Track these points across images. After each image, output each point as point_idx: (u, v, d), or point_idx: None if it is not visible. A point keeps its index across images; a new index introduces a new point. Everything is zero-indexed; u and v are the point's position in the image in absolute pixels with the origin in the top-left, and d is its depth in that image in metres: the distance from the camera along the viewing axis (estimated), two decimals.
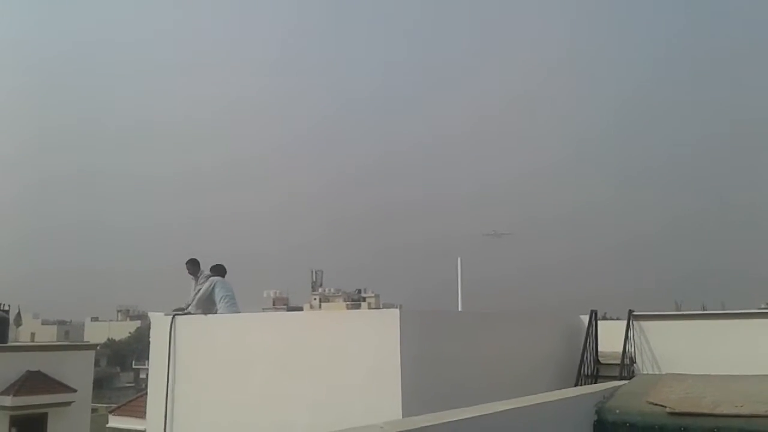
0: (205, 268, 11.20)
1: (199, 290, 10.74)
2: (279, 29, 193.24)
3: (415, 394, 7.12)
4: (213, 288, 10.70)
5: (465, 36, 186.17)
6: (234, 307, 10.73)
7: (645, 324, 11.83)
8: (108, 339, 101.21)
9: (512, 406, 4.76)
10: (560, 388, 7.46)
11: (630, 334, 11.46)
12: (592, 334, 11.30)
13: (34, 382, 14.69)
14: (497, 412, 4.49)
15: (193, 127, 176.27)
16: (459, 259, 13.22)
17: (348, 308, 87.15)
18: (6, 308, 18.62)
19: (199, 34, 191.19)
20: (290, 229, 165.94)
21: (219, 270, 11.12)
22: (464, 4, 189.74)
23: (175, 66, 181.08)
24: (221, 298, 10.62)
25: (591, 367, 11.10)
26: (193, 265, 11.01)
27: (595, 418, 6.35)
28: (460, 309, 12.17)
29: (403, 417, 6.56)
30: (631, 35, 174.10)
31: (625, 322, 11.63)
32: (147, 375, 10.83)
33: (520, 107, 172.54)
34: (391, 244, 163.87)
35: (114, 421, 24.34)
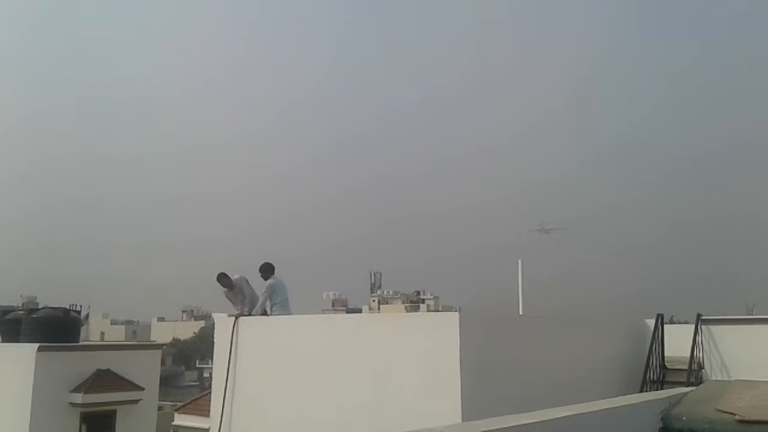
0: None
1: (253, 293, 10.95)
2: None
3: (475, 399, 7.07)
4: (272, 292, 10.90)
5: (507, 37, 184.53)
6: (287, 311, 10.89)
7: (714, 328, 11.44)
8: (173, 339, 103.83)
9: (574, 412, 4.68)
10: (625, 394, 7.29)
11: (698, 338, 11.11)
12: (658, 338, 11.00)
13: (103, 380, 15.14)
14: (559, 418, 4.41)
15: (250, 137, 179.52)
16: (520, 262, 13.06)
17: (407, 310, 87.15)
18: (78, 309, 19.26)
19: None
20: (345, 229, 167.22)
21: (269, 269, 11.24)
22: None
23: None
24: (276, 303, 10.82)
25: (657, 373, 10.80)
26: (224, 278, 11.09)
27: (661, 425, 6.18)
28: (521, 312, 12.03)
29: (462, 421, 6.53)
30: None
31: (693, 326, 11.28)
32: (210, 374, 11.07)
33: (566, 105, 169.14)
34: (449, 245, 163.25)
35: (179, 419, 24.92)
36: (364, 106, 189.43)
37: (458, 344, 7.25)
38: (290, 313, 10.88)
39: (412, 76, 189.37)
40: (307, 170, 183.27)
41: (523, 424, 4.02)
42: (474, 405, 6.96)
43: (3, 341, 16.98)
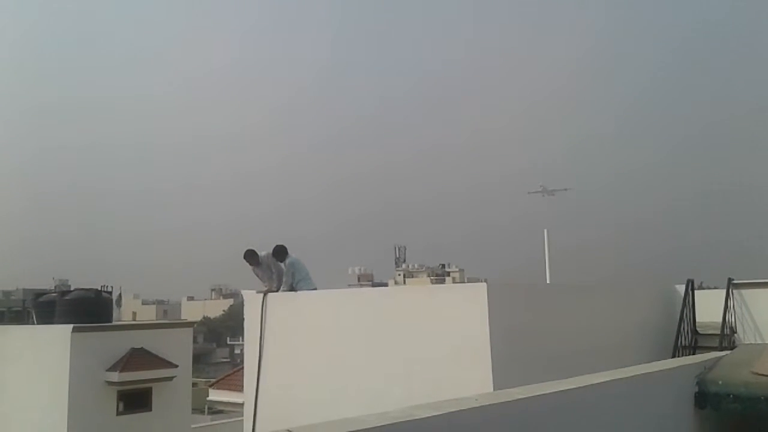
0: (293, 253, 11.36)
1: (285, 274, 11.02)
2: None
3: (506, 368, 7.07)
4: (294, 269, 10.97)
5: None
6: (312, 285, 10.96)
7: (746, 292, 11.30)
8: (203, 317, 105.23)
9: (609, 378, 4.64)
10: (657, 360, 7.23)
11: (730, 302, 10.98)
12: (689, 303, 10.90)
13: (138, 358, 15.37)
14: (594, 384, 4.39)
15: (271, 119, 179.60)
16: (545, 231, 12.99)
17: (432, 283, 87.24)
18: (109, 290, 19.55)
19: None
20: (368, 205, 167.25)
21: (282, 251, 11.30)
22: None
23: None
24: (299, 280, 10.88)
25: (689, 338, 10.72)
26: (252, 257, 11.18)
27: (696, 389, 6.12)
28: (548, 281, 11.96)
29: (494, 389, 6.53)
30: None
31: (724, 290, 11.15)
32: (241, 350, 11.19)
33: (579, 75, 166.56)
34: (472, 218, 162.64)
35: (214, 395, 25.28)
36: (379, 88, 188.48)
37: (487, 314, 7.24)
38: (315, 287, 10.94)
39: (427, 47, 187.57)
40: (328, 149, 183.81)
41: (558, 392, 4.00)
42: (505, 374, 6.97)
43: (38, 323, 17.31)
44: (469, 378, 7.20)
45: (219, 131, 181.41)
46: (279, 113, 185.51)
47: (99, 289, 18.74)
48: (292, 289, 10.81)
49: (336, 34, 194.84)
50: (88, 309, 16.29)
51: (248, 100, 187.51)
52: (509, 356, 7.25)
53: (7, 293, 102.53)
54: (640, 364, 5.84)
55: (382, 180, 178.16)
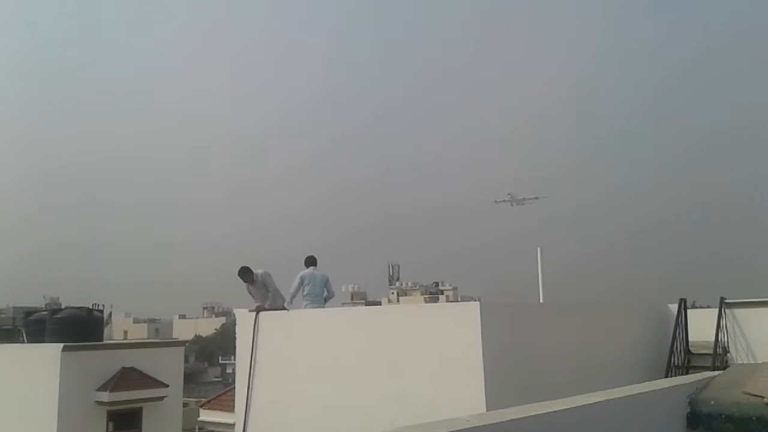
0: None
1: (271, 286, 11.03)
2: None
3: (498, 388, 7.05)
4: (300, 282, 10.99)
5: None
6: (315, 304, 10.93)
7: (738, 311, 11.34)
8: (195, 335, 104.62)
9: (602, 399, 4.64)
10: (650, 380, 7.23)
11: (722, 322, 11.01)
12: (681, 323, 10.92)
13: (128, 378, 15.28)
14: (587, 404, 4.38)
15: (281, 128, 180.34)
16: (539, 250, 12.98)
17: (426, 301, 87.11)
18: (100, 308, 19.47)
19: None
20: (361, 222, 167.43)
21: (307, 261, 11.40)
22: None
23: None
24: (305, 294, 10.90)
25: (681, 358, 10.73)
26: (246, 273, 11.12)
27: (688, 410, 6.11)
28: (541, 300, 11.97)
29: (487, 410, 6.51)
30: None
31: (716, 310, 11.18)
32: (233, 370, 11.16)
33: (572, 89, 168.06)
34: (465, 236, 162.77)
35: (204, 415, 25.10)
36: (374, 100, 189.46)
37: (480, 333, 7.23)
38: (321, 306, 10.96)
39: (429, 61, 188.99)
40: (317, 166, 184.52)
41: (551, 412, 4.00)
42: (497, 394, 6.95)
43: (28, 342, 17.20)
44: (461, 398, 7.18)
45: (214, 147, 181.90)
46: (273, 129, 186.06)
47: (90, 307, 18.67)
48: (284, 306, 10.83)
49: (336, 46, 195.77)
50: (79, 328, 16.23)
51: (244, 114, 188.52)
52: (502, 376, 7.24)
53: None
54: (632, 384, 5.84)
55: (376, 196, 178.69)
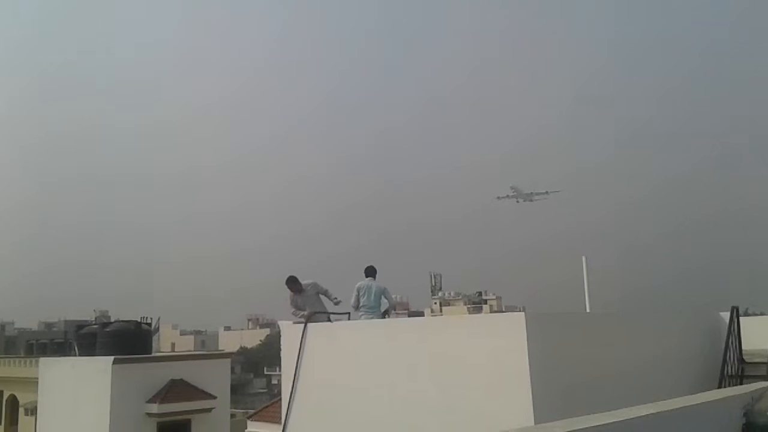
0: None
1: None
2: None
3: (546, 399, 6.95)
4: (357, 293, 11.00)
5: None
6: (372, 315, 10.89)
7: None
8: (240, 347, 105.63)
9: (653, 411, 4.54)
10: (702, 391, 7.06)
11: None
12: (734, 331, 10.61)
13: (177, 389, 15.52)
14: (637, 417, 4.29)
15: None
16: (584, 258, 12.77)
17: (469, 312, 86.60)
18: (149, 321, 19.84)
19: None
20: (402, 230, 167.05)
21: (366, 271, 11.42)
22: None
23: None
24: (362, 306, 10.92)
25: (735, 367, 10.42)
26: (294, 283, 11.18)
27: (744, 421, 5.95)
28: (587, 309, 11.78)
29: (535, 423, 6.43)
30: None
31: None
32: (279, 381, 11.24)
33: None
34: (507, 243, 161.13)
35: (252, 426, 25.27)
36: (415, 97, 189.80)
37: (526, 344, 7.14)
38: (376, 317, 10.96)
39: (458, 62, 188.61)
40: (355, 169, 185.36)
41: (601, 425, 3.93)
42: (545, 406, 6.85)
43: (79, 354, 17.61)
44: (508, 410, 7.10)
45: (254, 153, 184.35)
46: (312, 129, 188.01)
47: (139, 320, 19.02)
48: (329, 317, 10.87)
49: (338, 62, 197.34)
50: (128, 341, 16.56)
51: (282, 117, 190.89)
52: (549, 388, 7.13)
53: (49, 325, 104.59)
54: (685, 395, 5.71)
55: (416, 201, 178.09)
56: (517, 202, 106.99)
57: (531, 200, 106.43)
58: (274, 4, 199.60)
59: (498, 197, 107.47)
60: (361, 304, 11.03)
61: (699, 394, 6.12)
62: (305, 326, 10.22)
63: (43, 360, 20.07)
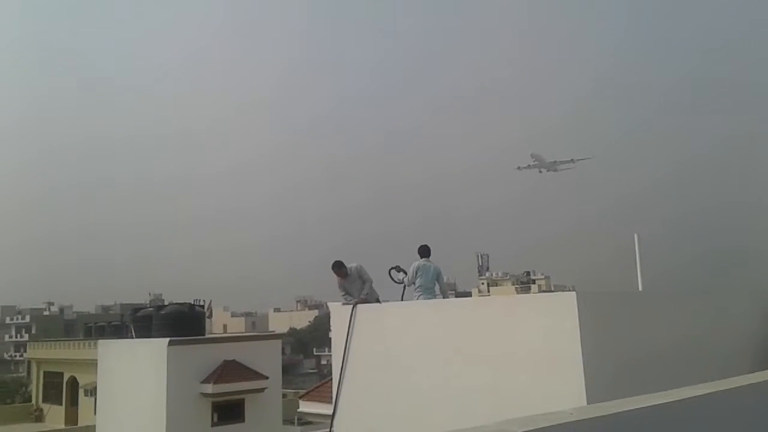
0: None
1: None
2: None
3: (598, 380, 6.89)
4: (414, 273, 10.99)
5: None
6: (427, 296, 10.88)
7: None
8: (290, 328, 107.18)
9: (711, 390, 4.45)
10: (761, 370, 6.89)
11: None
12: None
13: (230, 370, 15.84)
14: (694, 396, 4.21)
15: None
16: (636, 236, 12.50)
17: (517, 292, 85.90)
18: (201, 303, 20.27)
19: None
20: (447, 211, 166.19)
21: (420, 251, 11.34)
22: None
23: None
24: (418, 286, 10.91)
25: None
26: (340, 267, 11.11)
27: None
28: (640, 288, 11.57)
29: (588, 403, 6.38)
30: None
31: None
32: (328, 361, 11.38)
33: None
34: (554, 222, 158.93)
35: (304, 406, 25.64)
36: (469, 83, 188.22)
37: (578, 324, 7.08)
38: (434, 297, 10.95)
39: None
40: (407, 149, 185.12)
41: (655, 405, 3.87)
42: (598, 386, 6.79)
43: (136, 337, 18.11)
44: (560, 391, 7.06)
45: (294, 138, 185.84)
46: (364, 106, 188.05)
47: (192, 303, 19.46)
48: (378, 298, 10.91)
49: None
50: (182, 323, 16.95)
51: (323, 98, 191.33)
52: (602, 368, 7.06)
53: (106, 308, 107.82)
54: (742, 374, 5.58)
55: (464, 184, 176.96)
56: (540, 171, 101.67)
57: (555, 170, 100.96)
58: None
59: (519, 167, 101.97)
60: (418, 285, 10.96)
61: (757, 373, 5.97)
62: (354, 307, 10.30)
63: (101, 342, 20.71)
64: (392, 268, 11.40)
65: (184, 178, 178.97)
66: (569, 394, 6.87)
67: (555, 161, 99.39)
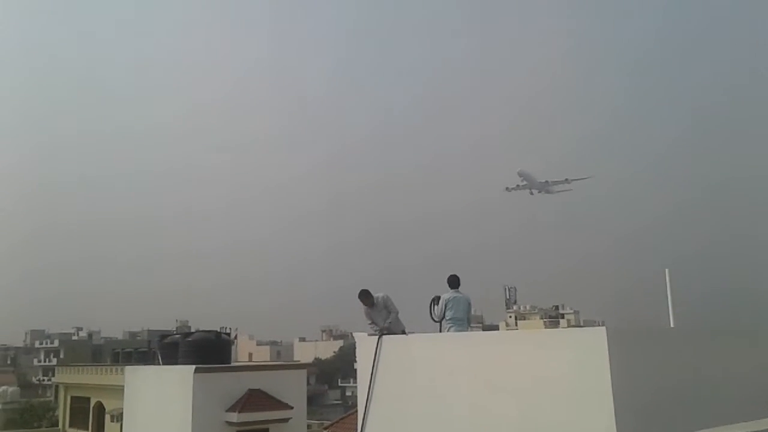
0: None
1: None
2: None
3: (629, 417, 6.75)
4: (444, 306, 10.87)
5: None
6: (460, 329, 10.75)
7: None
8: (315, 358, 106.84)
9: (749, 430, 4.34)
10: None
11: None
12: None
13: (255, 399, 15.80)
14: None
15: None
16: (667, 271, 12.31)
17: (546, 326, 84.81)
18: (227, 331, 20.36)
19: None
20: (476, 241, 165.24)
21: (449, 281, 11.21)
22: None
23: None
24: (449, 318, 10.79)
25: None
26: (367, 297, 11.07)
27: None
28: (672, 324, 11.36)
29: None
30: None
31: None
32: (353, 392, 11.30)
33: None
34: (583, 253, 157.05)
35: None
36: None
37: (608, 360, 6.96)
38: (465, 330, 10.83)
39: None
40: (447, 175, 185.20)
41: None
42: (629, 423, 6.66)
43: (162, 363, 18.19)
44: (589, 427, 6.93)
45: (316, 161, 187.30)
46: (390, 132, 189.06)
47: (218, 330, 19.53)
48: (403, 330, 10.83)
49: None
50: (208, 350, 16.99)
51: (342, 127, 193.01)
52: (633, 404, 6.92)
53: (133, 334, 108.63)
54: None
55: (493, 214, 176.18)
56: (531, 193, 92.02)
57: (548, 191, 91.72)
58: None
59: (507, 188, 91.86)
60: (449, 317, 10.82)
61: None
62: (380, 338, 10.25)
63: (128, 368, 20.85)
64: (433, 300, 11.20)
65: (213, 208, 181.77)
66: (599, 431, 6.74)
67: (546, 181, 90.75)
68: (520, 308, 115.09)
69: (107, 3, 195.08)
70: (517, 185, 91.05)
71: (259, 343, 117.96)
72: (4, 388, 56.14)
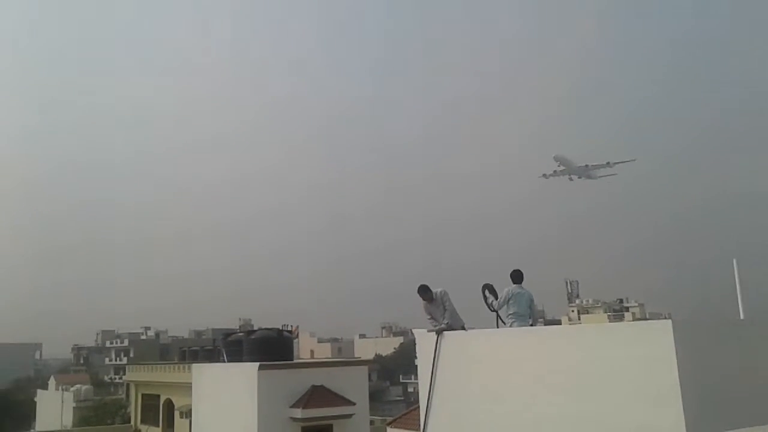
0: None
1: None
2: None
3: (698, 412, 6.59)
4: (506, 300, 10.79)
5: None
6: (522, 324, 10.64)
7: None
8: (375, 354, 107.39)
9: None
10: None
11: None
12: None
13: (318, 395, 15.98)
14: None
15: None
16: (735, 261, 11.93)
17: (610, 320, 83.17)
18: (289, 328, 20.66)
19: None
20: (537, 234, 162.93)
21: (512, 276, 11.09)
22: None
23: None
24: (511, 313, 10.69)
25: None
26: (426, 292, 11.04)
27: None
28: (741, 317, 11.01)
29: None
30: None
31: None
32: (415, 388, 11.32)
33: None
34: (648, 245, 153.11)
35: None
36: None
37: (675, 354, 6.80)
38: (526, 325, 10.70)
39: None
40: (492, 174, 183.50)
41: None
42: (697, 418, 6.50)
43: (228, 361, 18.59)
44: (657, 424, 6.79)
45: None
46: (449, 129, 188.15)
47: (280, 328, 19.84)
48: (463, 326, 10.78)
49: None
50: (271, 347, 17.27)
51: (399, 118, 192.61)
52: (702, 399, 6.75)
53: (198, 333, 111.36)
54: None
55: (548, 207, 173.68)
56: (570, 179, 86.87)
57: (590, 176, 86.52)
58: None
59: (544, 175, 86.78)
60: (511, 312, 10.69)
61: None
62: (440, 334, 10.24)
63: (195, 366, 21.38)
64: (485, 287, 11.15)
65: (270, 211, 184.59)
66: (668, 429, 6.60)
67: (586, 165, 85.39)
68: (582, 302, 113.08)
69: None
70: (555, 171, 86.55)
71: (320, 341, 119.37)
72: (78, 386, 58.25)
